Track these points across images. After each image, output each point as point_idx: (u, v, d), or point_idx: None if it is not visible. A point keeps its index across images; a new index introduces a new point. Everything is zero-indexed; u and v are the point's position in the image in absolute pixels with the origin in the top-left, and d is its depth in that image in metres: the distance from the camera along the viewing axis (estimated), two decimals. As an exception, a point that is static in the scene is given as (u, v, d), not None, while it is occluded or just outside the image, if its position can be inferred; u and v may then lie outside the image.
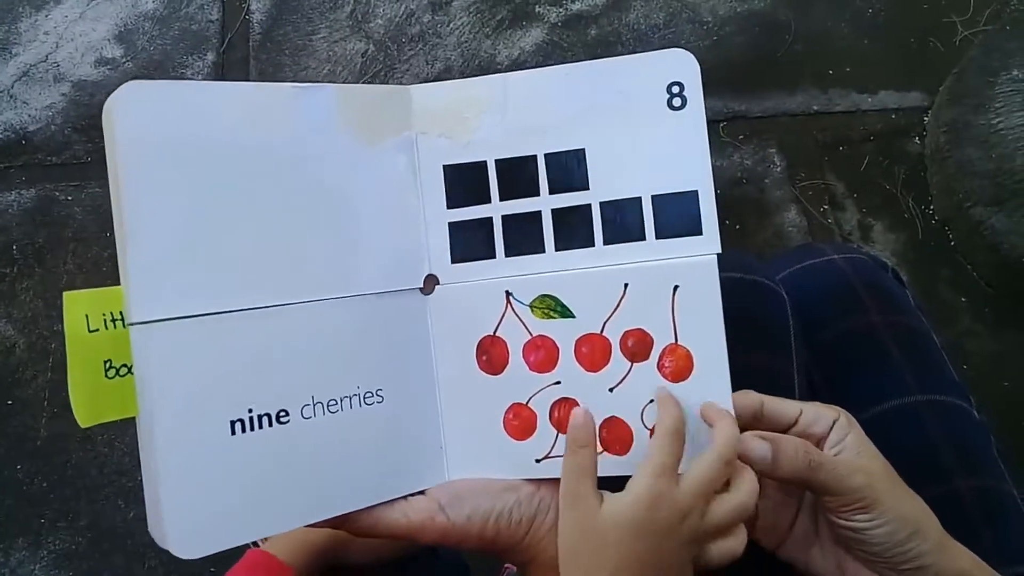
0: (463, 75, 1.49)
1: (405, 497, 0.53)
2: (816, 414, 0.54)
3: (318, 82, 1.47)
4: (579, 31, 1.53)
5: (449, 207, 0.55)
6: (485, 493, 0.53)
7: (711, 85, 1.48)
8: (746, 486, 0.51)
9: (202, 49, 1.51)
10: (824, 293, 0.72)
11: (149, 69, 1.49)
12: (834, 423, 0.53)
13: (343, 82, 1.49)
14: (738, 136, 1.46)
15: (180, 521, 0.46)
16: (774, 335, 0.66)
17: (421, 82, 1.45)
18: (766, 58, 1.52)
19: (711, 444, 0.50)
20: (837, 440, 0.53)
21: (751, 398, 0.54)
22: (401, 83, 1.49)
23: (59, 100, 1.46)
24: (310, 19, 1.54)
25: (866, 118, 1.49)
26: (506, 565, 1.11)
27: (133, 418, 0.48)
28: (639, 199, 0.54)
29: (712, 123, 1.46)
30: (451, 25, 1.54)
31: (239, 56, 1.52)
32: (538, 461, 0.55)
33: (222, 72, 1.50)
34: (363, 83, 1.48)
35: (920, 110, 1.49)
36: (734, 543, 0.51)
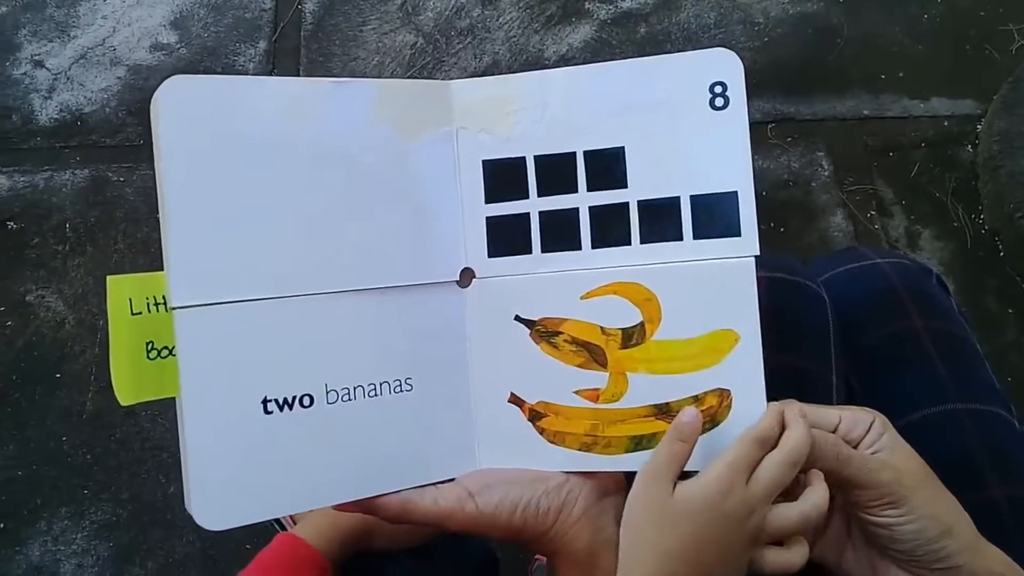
0: (510, 70, 1.49)
1: (436, 484, 0.54)
2: (854, 419, 0.53)
3: (367, 73, 1.49)
4: (629, 29, 1.53)
5: (487, 202, 0.56)
6: (514, 483, 0.54)
7: (761, 86, 1.47)
8: (813, 498, 0.51)
9: (255, 37, 1.53)
10: (867, 297, 0.72)
11: (203, 55, 1.51)
12: (870, 426, 0.53)
13: (391, 74, 1.50)
14: (786, 138, 1.45)
15: (205, 494, 0.49)
16: (814, 337, 0.66)
17: (469, 76, 1.46)
18: (817, 61, 1.51)
19: (781, 447, 0.50)
20: (872, 441, 0.52)
21: (793, 408, 0.54)
22: (448, 76, 1.50)
23: (115, 83, 1.49)
24: (361, 10, 1.56)
25: (918, 124, 1.47)
26: (536, 556, 1.12)
27: (172, 397, 0.50)
28: (678, 199, 0.54)
29: (760, 124, 1.45)
30: (500, 20, 1.54)
31: (291, 45, 1.53)
32: None
33: (273, 60, 1.52)
34: (411, 75, 1.49)
35: (973, 118, 1.47)
36: (791, 556, 0.51)
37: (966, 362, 0.69)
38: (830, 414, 0.54)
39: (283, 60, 1.52)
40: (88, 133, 1.46)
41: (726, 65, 0.53)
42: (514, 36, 1.53)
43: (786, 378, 0.55)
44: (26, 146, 1.44)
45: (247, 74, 1.49)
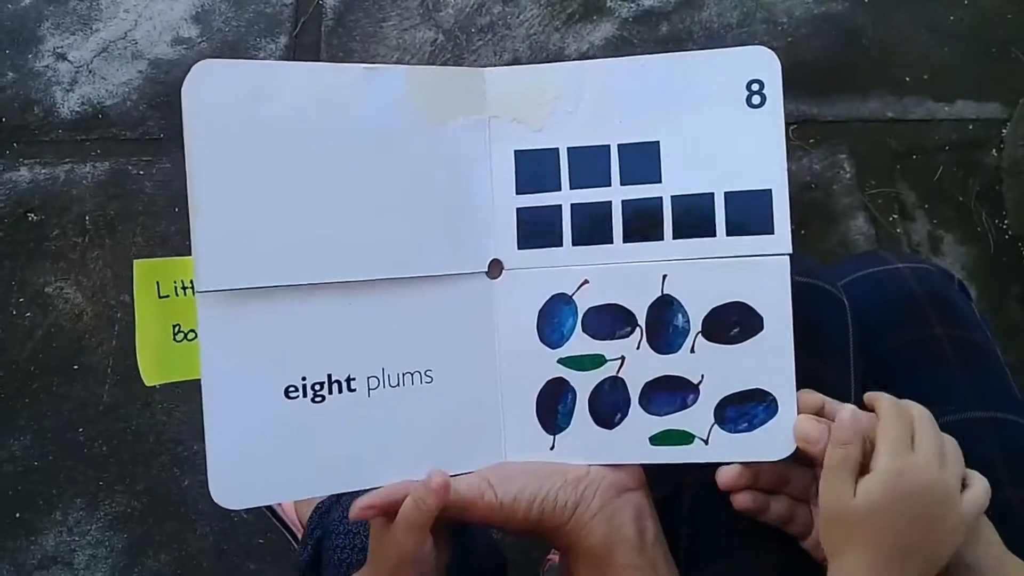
0: (531, 67, 1.49)
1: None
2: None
3: (387, 69, 1.48)
4: (650, 27, 1.52)
5: (518, 192, 0.55)
6: (533, 475, 0.54)
7: (783, 87, 1.45)
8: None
9: (275, 32, 1.53)
10: (887, 302, 0.71)
11: (223, 50, 1.51)
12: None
13: (411, 70, 1.50)
14: (808, 140, 1.44)
15: (223, 474, 0.50)
16: (832, 341, 0.66)
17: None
18: (841, 62, 1.49)
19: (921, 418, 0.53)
20: None
21: (814, 398, 0.55)
22: (469, 73, 1.49)
23: (136, 77, 1.49)
24: (381, 6, 1.55)
25: (942, 127, 1.45)
26: (549, 556, 1.12)
27: (193, 386, 0.50)
28: (711, 195, 0.53)
29: (781, 126, 1.43)
30: (521, 17, 1.54)
31: (311, 41, 1.54)
32: None
33: (293, 56, 1.52)
34: (431, 71, 1.49)
35: (998, 122, 1.45)
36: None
37: (986, 369, 0.69)
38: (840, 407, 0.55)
39: (303, 55, 1.52)
40: (109, 126, 1.46)
41: (764, 63, 0.53)
42: (535, 33, 1.52)
43: (803, 381, 0.55)
44: (47, 138, 1.45)
45: (267, 69, 1.50)
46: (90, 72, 1.50)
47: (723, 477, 0.55)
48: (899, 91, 1.47)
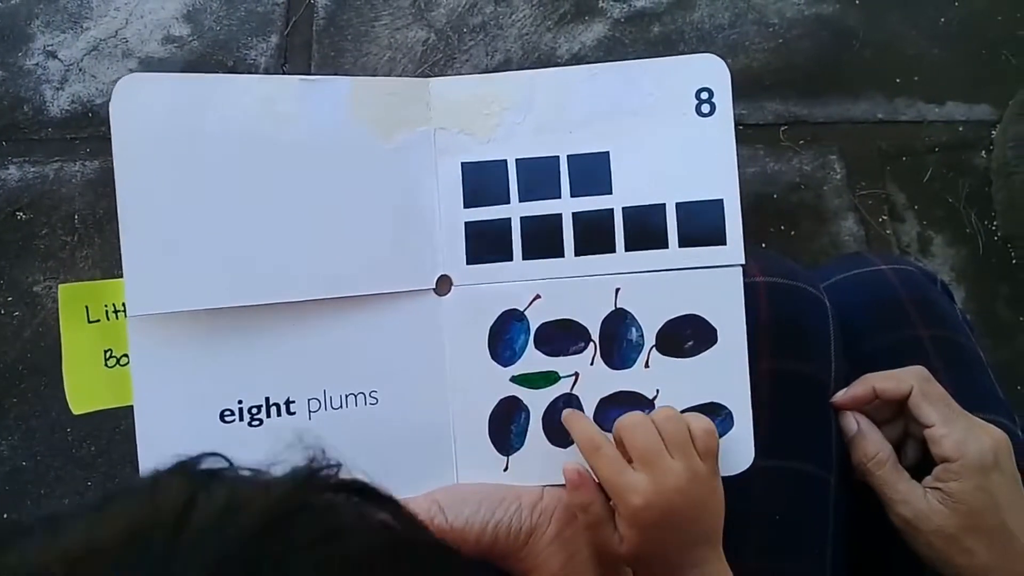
0: (522, 68, 1.48)
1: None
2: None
3: (378, 69, 1.48)
4: (642, 28, 1.52)
5: (466, 206, 0.54)
6: (487, 498, 0.52)
7: (774, 88, 1.46)
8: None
9: (267, 31, 1.53)
10: (869, 304, 0.71)
11: (214, 49, 1.51)
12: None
13: (403, 70, 1.49)
14: (799, 141, 1.43)
15: None
16: (814, 343, 0.65)
17: (480, 73, 1.45)
18: (832, 63, 1.49)
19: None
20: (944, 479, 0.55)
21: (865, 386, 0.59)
22: (459, 73, 1.49)
23: (126, 75, 1.48)
24: (373, 5, 1.55)
25: (932, 129, 1.45)
26: None
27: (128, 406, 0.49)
28: (663, 206, 0.53)
29: (773, 126, 1.43)
30: (513, 17, 1.53)
31: (302, 40, 1.53)
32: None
33: (285, 55, 1.52)
34: (422, 72, 1.49)
35: (988, 123, 1.45)
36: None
37: (969, 370, 0.69)
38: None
39: (295, 55, 1.52)
40: (99, 125, 1.46)
41: (712, 71, 0.52)
42: (527, 33, 1.52)
43: (784, 385, 0.55)
44: (37, 137, 1.45)
45: (258, 69, 1.49)
46: (80, 70, 1.49)
47: (837, 397, 0.60)
48: (890, 92, 1.47)
